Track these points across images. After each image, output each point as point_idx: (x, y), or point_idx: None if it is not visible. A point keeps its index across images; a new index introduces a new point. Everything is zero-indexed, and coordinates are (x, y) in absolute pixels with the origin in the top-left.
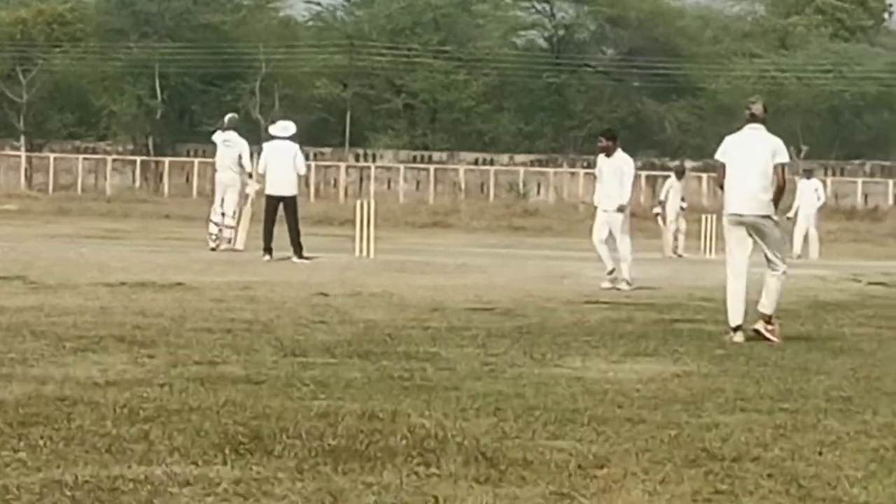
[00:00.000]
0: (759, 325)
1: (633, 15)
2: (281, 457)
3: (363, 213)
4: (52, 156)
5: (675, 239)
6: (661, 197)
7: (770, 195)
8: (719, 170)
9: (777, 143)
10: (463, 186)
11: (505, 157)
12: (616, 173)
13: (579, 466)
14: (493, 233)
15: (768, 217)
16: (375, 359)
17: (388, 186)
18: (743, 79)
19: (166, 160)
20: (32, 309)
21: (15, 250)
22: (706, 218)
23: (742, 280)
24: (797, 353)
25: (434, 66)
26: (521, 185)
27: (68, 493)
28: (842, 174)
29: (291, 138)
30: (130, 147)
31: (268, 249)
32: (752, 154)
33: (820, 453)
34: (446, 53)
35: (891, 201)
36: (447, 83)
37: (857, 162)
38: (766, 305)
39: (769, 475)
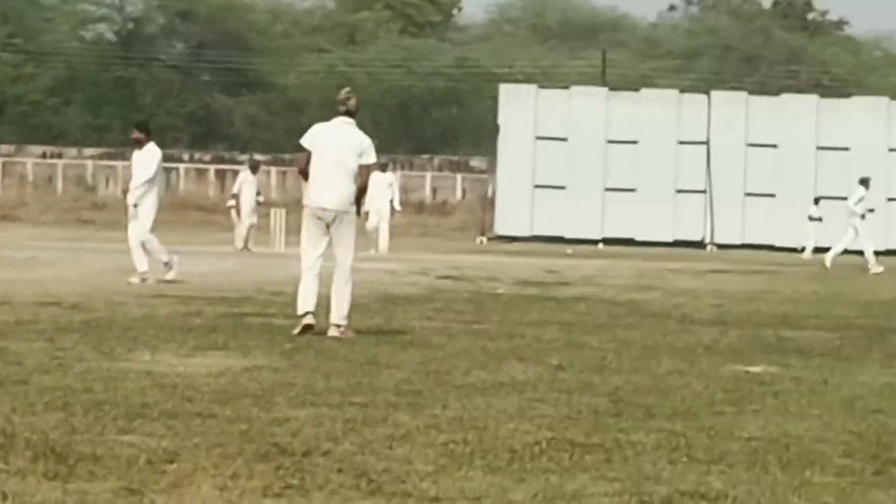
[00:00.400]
0: (333, 332)
1: (204, 9)
2: None
3: None
4: None
5: (248, 233)
6: (235, 190)
7: (354, 191)
8: (303, 157)
9: (367, 142)
10: (31, 180)
11: (73, 151)
12: (143, 165)
13: (149, 461)
14: (62, 226)
15: (349, 213)
16: None
17: None
18: (312, 74)
19: None
20: None
21: None
22: (275, 212)
23: (315, 273)
24: (367, 347)
25: (2, 58)
26: (89, 178)
27: None
28: (411, 168)
29: None
30: None
31: None
32: (341, 148)
33: (390, 447)
34: (14, 46)
35: (459, 196)
36: (15, 76)
37: (425, 156)
38: (340, 313)
39: (339, 469)
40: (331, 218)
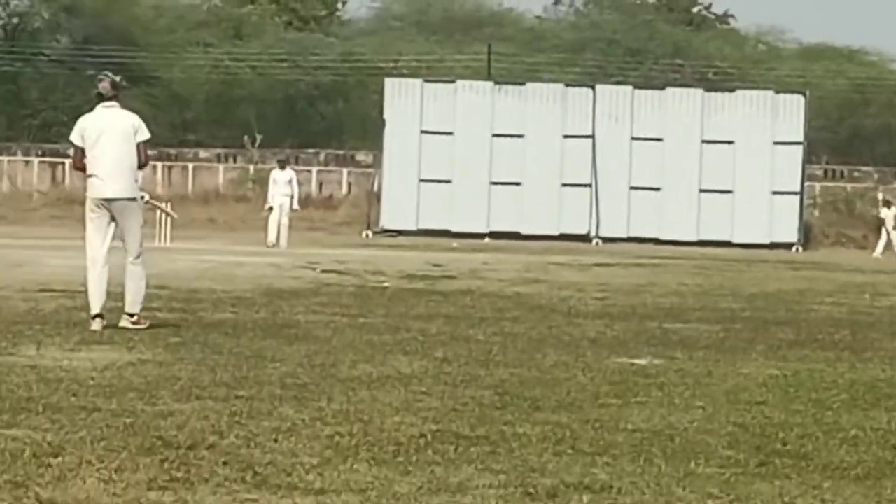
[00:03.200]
0: (125, 322)
1: (89, 3)
2: None
3: None
4: None
5: None
6: None
7: (136, 176)
8: (77, 152)
9: (136, 119)
10: None
11: None
12: None
13: (34, 455)
14: None
15: (135, 199)
16: None
17: None
18: (197, 68)
19: None
20: None
21: None
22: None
23: (104, 266)
24: (253, 341)
25: None
26: None
27: None
28: (297, 163)
29: None
30: None
31: None
32: (114, 133)
33: (276, 440)
34: None
35: (345, 190)
36: None
37: (311, 151)
38: (133, 303)
39: (225, 462)
40: (117, 208)
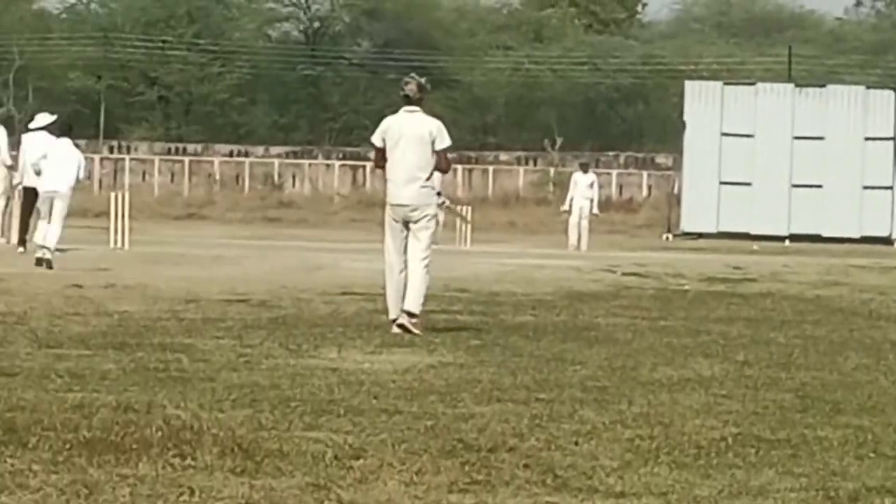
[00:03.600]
0: (403, 319)
1: (389, 7)
2: (35, 449)
3: (118, 205)
4: None
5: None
6: None
7: (430, 181)
8: (377, 153)
9: (436, 126)
10: (217, 178)
11: (260, 150)
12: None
13: (336, 457)
14: (249, 224)
15: (428, 205)
16: (131, 350)
17: (143, 178)
18: (498, 71)
19: None
20: None
21: None
22: (461, 209)
23: (401, 272)
24: (553, 344)
25: (188, 58)
26: (275, 176)
27: None
28: (597, 166)
29: (50, 130)
30: None
31: (22, 241)
32: (411, 138)
33: (576, 443)
34: (200, 46)
35: (645, 192)
36: (201, 76)
37: (611, 154)
38: (413, 303)
39: (525, 465)
40: (406, 213)
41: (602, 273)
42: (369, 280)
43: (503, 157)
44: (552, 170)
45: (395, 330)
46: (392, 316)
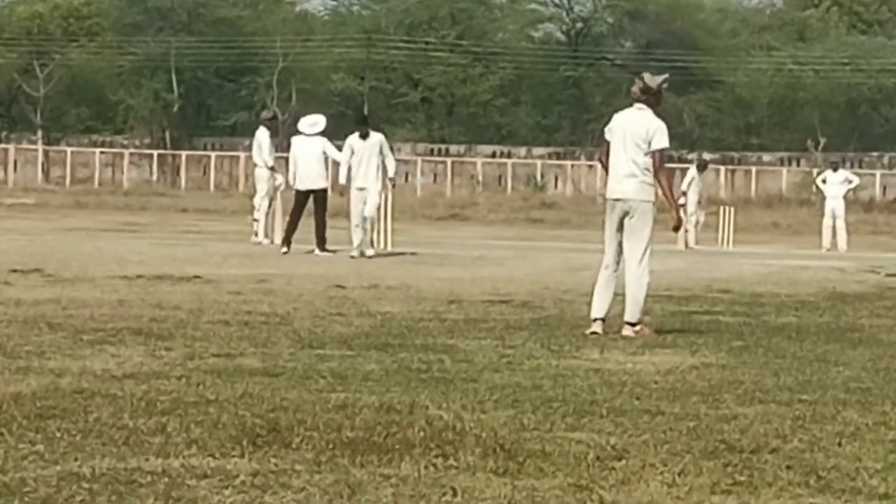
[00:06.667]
0: (627, 331)
1: (652, 8)
2: (298, 449)
3: (381, 206)
4: (69, 150)
5: (687, 231)
6: (683, 188)
7: (649, 178)
8: (602, 148)
9: (655, 126)
10: (480, 179)
11: (522, 150)
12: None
13: (598, 458)
14: (511, 225)
15: (648, 202)
16: (393, 351)
17: (406, 179)
18: (760, 72)
19: (183, 154)
20: (50, 302)
21: (33, 244)
22: (724, 210)
23: (614, 271)
24: (816, 345)
25: (451, 59)
26: (538, 177)
27: (85, 486)
28: (860, 166)
29: (322, 133)
30: (147, 141)
31: (287, 242)
32: (628, 136)
33: (839, 444)
34: (463, 47)
35: None
36: (464, 77)
37: (875, 154)
38: (631, 312)
39: (788, 466)
40: (623, 209)
41: (866, 274)
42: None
43: (766, 157)
44: (814, 171)
45: (595, 328)
46: (594, 315)
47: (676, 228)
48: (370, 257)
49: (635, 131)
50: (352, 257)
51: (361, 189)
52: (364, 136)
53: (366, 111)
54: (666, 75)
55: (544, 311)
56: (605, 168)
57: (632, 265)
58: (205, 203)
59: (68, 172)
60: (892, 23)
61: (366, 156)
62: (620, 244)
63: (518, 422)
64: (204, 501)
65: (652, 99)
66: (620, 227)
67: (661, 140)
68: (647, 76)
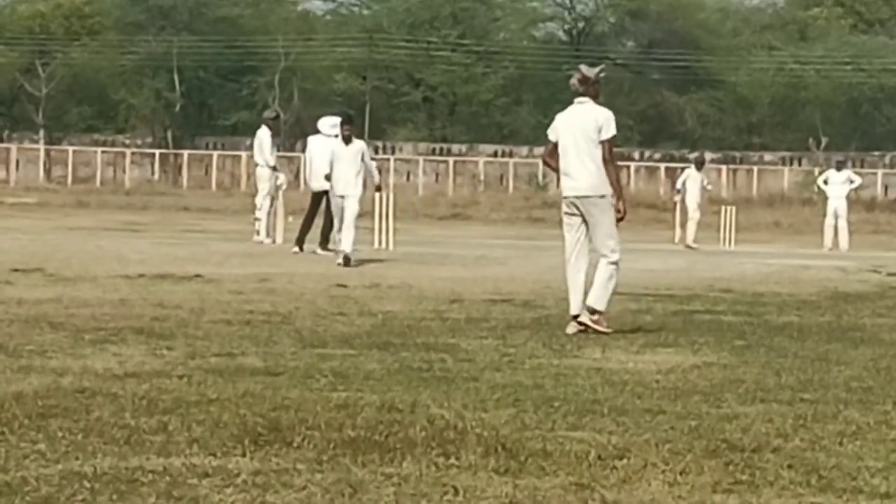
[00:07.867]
0: (584, 317)
1: (653, 8)
2: (300, 448)
3: (382, 205)
4: (70, 149)
5: (683, 229)
6: (678, 186)
7: (602, 172)
8: (547, 148)
9: (603, 116)
10: (482, 178)
11: (524, 150)
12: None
13: (599, 457)
14: (512, 224)
15: (603, 196)
16: (395, 350)
17: (408, 178)
18: (762, 71)
19: (185, 153)
20: (51, 301)
21: (34, 243)
22: (726, 209)
23: (576, 266)
24: (817, 344)
25: (453, 59)
26: (540, 177)
27: (87, 485)
28: (861, 166)
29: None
30: (149, 140)
31: (300, 243)
32: (575, 131)
33: (840, 444)
34: (465, 47)
35: None
36: (466, 76)
37: (876, 153)
38: (596, 299)
39: (789, 465)
40: (582, 206)
41: (867, 273)
42: (634, 280)
43: (768, 157)
44: (816, 170)
45: (569, 329)
46: (572, 312)
47: (620, 219)
48: (348, 256)
49: (585, 126)
50: (338, 265)
51: (341, 197)
52: (347, 140)
53: (367, 111)
54: (602, 66)
55: (546, 311)
56: (552, 168)
57: (602, 259)
58: (206, 202)
59: (70, 172)
60: (893, 22)
61: (346, 163)
62: (580, 239)
63: (520, 421)
64: (205, 500)
65: (591, 90)
66: (581, 224)
67: (610, 129)
68: (583, 67)
